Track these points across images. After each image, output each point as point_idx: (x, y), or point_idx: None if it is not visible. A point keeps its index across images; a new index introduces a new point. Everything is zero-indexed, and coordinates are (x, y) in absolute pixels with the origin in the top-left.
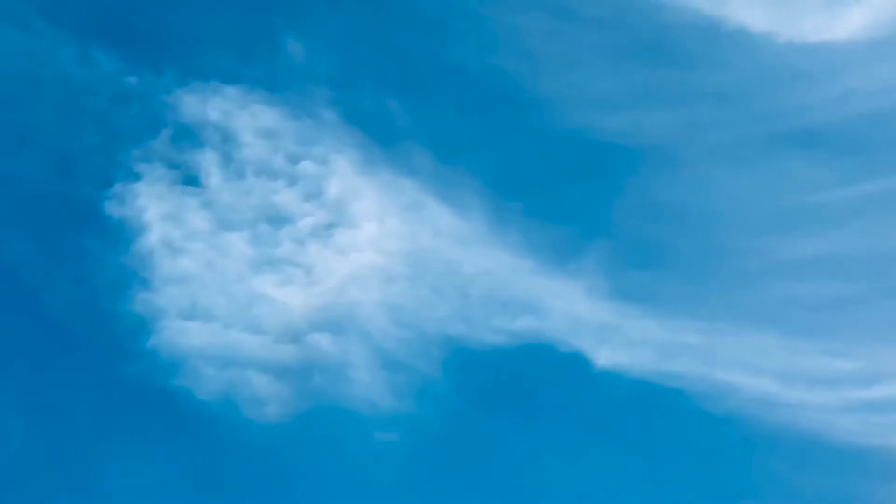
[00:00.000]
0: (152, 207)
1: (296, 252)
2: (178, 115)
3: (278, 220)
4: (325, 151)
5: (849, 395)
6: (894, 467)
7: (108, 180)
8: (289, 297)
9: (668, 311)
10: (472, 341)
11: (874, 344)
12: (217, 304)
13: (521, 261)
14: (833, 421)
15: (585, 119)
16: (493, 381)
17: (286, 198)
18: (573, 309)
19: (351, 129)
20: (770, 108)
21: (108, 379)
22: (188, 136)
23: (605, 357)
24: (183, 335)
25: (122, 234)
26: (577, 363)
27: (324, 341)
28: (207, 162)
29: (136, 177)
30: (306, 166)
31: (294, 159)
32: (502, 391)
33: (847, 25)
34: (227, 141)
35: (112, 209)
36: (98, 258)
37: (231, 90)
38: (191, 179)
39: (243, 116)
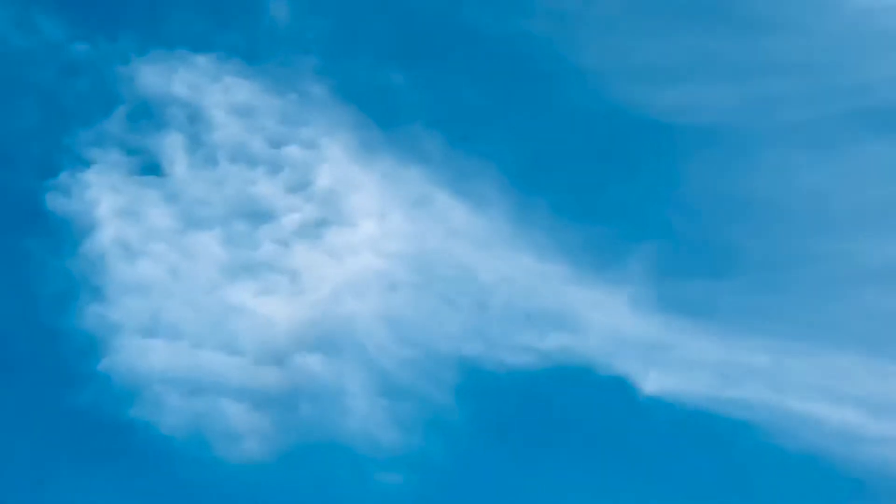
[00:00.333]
0: (105, 201)
1: (279, 255)
2: (135, 89)
3: (257, 216)
4: (313, 134)
5: None
6: None
7: (51, 168)
8: (270, 310)
9: (730, 327)
10: (491, 363)
11: None
12: (183, 318)
13: (551, 266)
14: None
15: (632, 94)
16: (516, 410)
17: (267, 189)
18: (614, 324)
19: (345, 107)
20: (857, 80)
21: (51, 409)
22: (148, 114)
23: (653, 382)
24: (142, 356)
25: (69, 234)
26: (619, 389)
27: (313, 363)
28: (171, 146)
29: (86, 164)
30: (291, 151)
31: (276, 143)
32: (528, 423)
33: None
34: (195, 121)
35: (56, 203)
36: (39, 262)
37: (200, 60)
38: (151, 167)
39: (215, 91)
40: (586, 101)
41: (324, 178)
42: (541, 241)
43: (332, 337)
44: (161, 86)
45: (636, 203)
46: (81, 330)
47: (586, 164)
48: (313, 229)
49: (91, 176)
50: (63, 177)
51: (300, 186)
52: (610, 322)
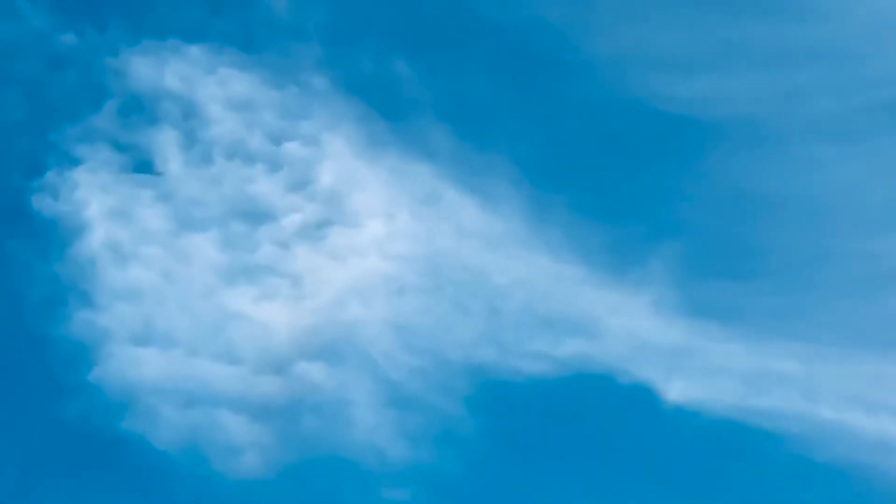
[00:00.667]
0: (94, 201)
1: (279, 258)
2: (126, 82)
3: (256, 216)
4: (315, 129)
5: None
6: None
7: (37, 167)
8: (270, 316)
9: (759, 331)
10: (504, 371)
11: None
12: (178, 325)
13: (568, 267)
14: None
15: (652, 85)
16: (532, 421)
17: (266, 188)
18: (636, 328)
19: (348, 100)
20: (887, 70)
21: (39, 422)
22: (140, 109)
23: (677, 390)
24: (134, 365)
25: (56, 236)
26: (641, 397)
27: (316, 372)
28: (164, 143)
29: (74, 162)
30: (291, 148)
31: (276, 139)
32: (544, 434)
33: None
34: (189, 116)
35: (43, 204)
36: (25, 267)
37: (194, 50)
38: (143, 165)
39: (210, 84)
40: (604, 93)
41: (326, 176)
42: (557, 240)
43: (335, 344)
44: (153, 78)
45: (657, 200)
46: (70, 338)
47: (604, 160)
48: (315, 230)
49: (79, 175)
50: (50, 176)
51: (301, 185)
52: (630, 327)
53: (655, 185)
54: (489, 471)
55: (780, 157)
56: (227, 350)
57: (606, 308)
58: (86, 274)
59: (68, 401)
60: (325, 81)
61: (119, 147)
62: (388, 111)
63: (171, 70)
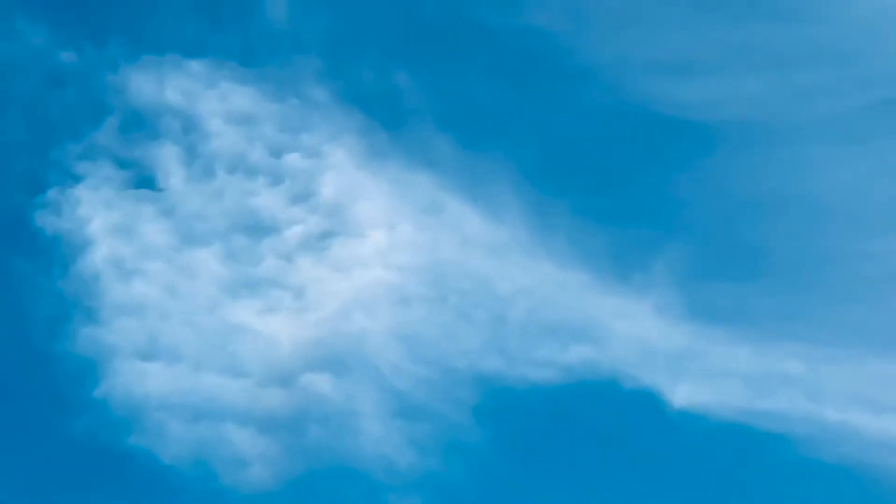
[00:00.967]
0: (97, 218)
1: (282, 270)
2: (126, 98)
3: (258, 230)
4: (316, 140)
5: None
6: None
7: (39, 184)
8: (275, 329)
9: (763, 333)
10: (511, 379)
11: None
12: (183, 339)
13: (572, 274)
14: None
15: (652, 89)
16: (539, 428)
17: (268, 201)
18: (640, 333)
19: (349, 111)
20: (889, 70)
21: (45, 438)
22: (140, 125)
23: (682, 394)
24: (140, 380)
25: (59, 253)
26: (647, 402)
27: (321, 384)
28: (166, 158)
29: (76, 179)
30: (293, 160)
31: (277, 151)
32: (551, 442)
33: None
34: (190, 130)
35: (45, 221)
36: (28, 284)
37: (194, 65)
38: (145, 181)
39: (210, 98)
40: (604, 98)
41: (328, 188)
42: (560, 247)
43: (341, 356)
44: (153, 94)
45: (659, 205)
46: (75, 354)
47: (606, 165)
48: (318, 242)
49: (82, 191)
50: (52, 193)
51: (303, 197)
52: (635, 332)
53: (657, 189)
54: (497, 479)
55: (782, 159)
56: (232, 363)
57: (611, 313)
58: (90, 290)
59: (75, 417)
60: (325, 93)
61: (120, 163)
62: (388, 121)
63: (171, 85)
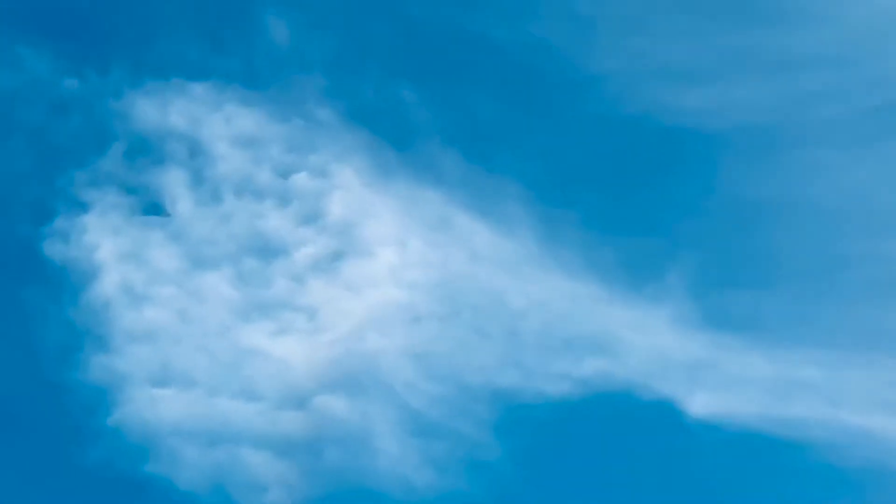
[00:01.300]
0: (106, 245)
1: (293, 292)
2: (131, 124)
3: (268, 252)
4: (323, 160)
5: None
6: None
7: (46, 213)
8: (288, 351)
9: (779, 340)
10: (526, 393)
11: None
12: (196, 364)
13: (584, 286)
14: None
15: (656, 98)
16: (557, 442)
17: (277, 223)
18: (655, 344)
19: (355, 130)
20: (892, 73)
21: (60, 469)
22: (146, 150)
23: (699, 403)
24: (154, 407)
25: (69, 281)
26: (664, 413)
27: (337, 404)
28: (173, 182)
29: (83, 207)
30: (300, 181)
31: (284, 173)
32: (570, 455)
33: None
34: (196, 154)
35: (54, 250)
36: (38, 314)
37: (198, 88)
38: (153, 206)
39: (215, 121)
40: (609, 109)
41: (336, 207)
42: (571, 260)
43: (355, 376)
44: (157, 119)
45: (669, 214)
46: (88, 383)
47: (614, 176)
48: (328, 263)
49: (89, 219)
50: (59, 221)
51: (312, 218)
52: (650, 342)
53: (667, 198)
54: (517, 494)
55: (790, 164)
56: (246, 387)
57: (625, 325)
58: (100, 318)
59: (89, 446)
60: (330, 113)
61: (127, 189)
62: (394, 139)
63: (175, 110)
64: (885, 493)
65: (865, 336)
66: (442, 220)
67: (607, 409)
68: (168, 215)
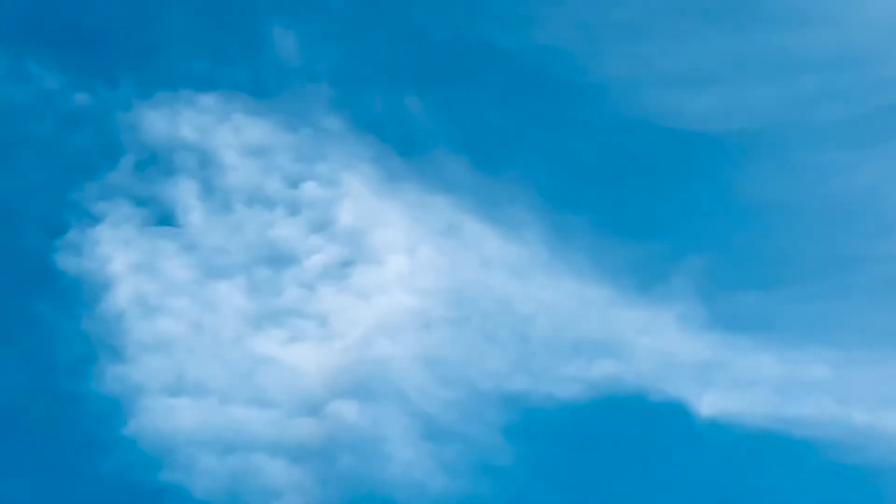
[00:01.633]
0: (118, 257)
1: (304, 300)
2: (141, 136)
3: (279, 260)
4: (331, 169)
5: None
6: None
7: (58, 226)
8: (300, 358)
9: (788, 340)
10: (537, 397)
11: None
12: (210, 373)
13: (593, 289)
14: None
15: (662, 103)
16: (568, 445)
17: (287, 231)
18: (665, 345)
19: (363, 139)
20: None
21: (76, 480)
22: (156, 162)
23: (709, 403)
24: (169, 416)
25: (82, 294)
26: (674, 414)
27: (349, 411)
28: (183, 193)
29: (95, 219)
30: (309, 189)
31: (293, 182)
32: (581, 458)
33: None
34: (206, 165)
35: (66, 262)
36: (52, 326)
37: (207, 99)
38: (164, 218)
39: (224, 132)
40: (616, 114)
41: (346, 215)
42: (580, 264)
43: (367, 382)
44: (167, 130)
45: (677, 216)
46: (102, 394)
47: (621, 180)
48: (339, 270)
49: (101, 231)
50: (72, 234)
51: (322, 226)
52: (659, 344)
53: (674, 201)
54: (529, 498)
55: (796, 165)
56: (259, 395)
57: (634, 327)
58: (114, 329)
59: (105, 457)
60: (338, 122)
61: (138, 201)
62: (403, 147)
63: (184, 121)
64: (894, 490)
65: (873, 335)
66: (451, 226)
67: (617, 411)
68: (179, 226)
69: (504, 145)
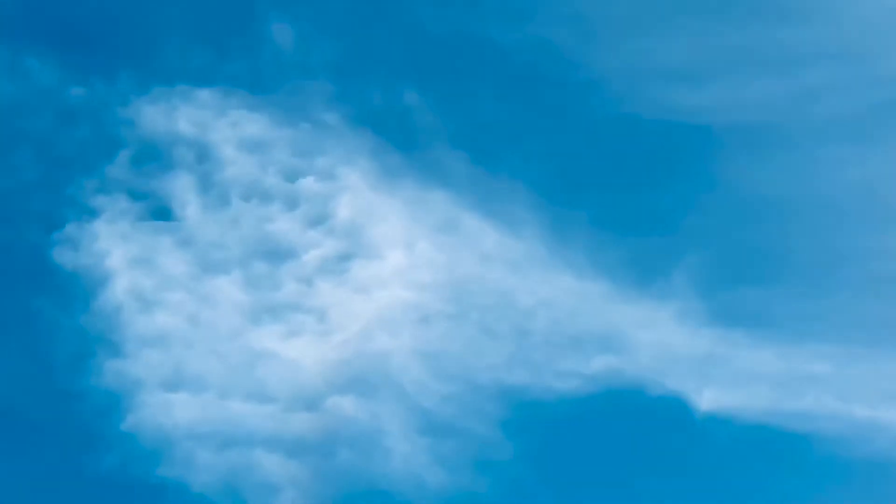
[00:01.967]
0: (115, 251)
1: (303, 294)
2: (138, 131)
3: (277, 255)
4: (329, 163)
5: None
6: None
7: (55, 221)
8: (298, 353)
9: (786, 335)
10: (536, 391)
11: None
12: (208, 368)
13: (592, 284)
14: None
15: (660, 97)
16: (567, 440)
17: (285, 226)
18: (663, 340)
19: (361, 133)
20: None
21: (75, 475)
22: (154, 156)
23: (709, 398)
24: (167, 411)
25: (79, 288)
26: (674, 409)
27: (347, 405)
28: (181, 188)
29: (92, 213)
30: (307, 184)
31: (291, 176)
32: (580, 452)
33: None
34: (203, 159)
35: (64, 257)
36: (50, 321)
37: (204, 94)
38: (161, 212)
39: (222, 126)
40: (614, 109)
41: (344, 210)
42: (579, 259)
43: (365, 377)
44: (164, 125)
45: (675, 212)
46: (101, 389)
47: (619, 175)
48: (337, 264)
49: (99, 226)
50: (69, 229)
51: (319, 220)
52: (658, 339)
53: (672, 196)
54: (528, 492)
55: (795, 160)
56: (257, 389)
57: (633, 322)
58: (112, 324)
59: (103, 452)
60: (336, 116)
61: (136, 196)
62: (400, 142)
63: (182, 115)
64: (894, 485)
65: (872, 330)
66: (449, 221)
67: (616, 405)
68: (177, 220)
69: (502, 140)
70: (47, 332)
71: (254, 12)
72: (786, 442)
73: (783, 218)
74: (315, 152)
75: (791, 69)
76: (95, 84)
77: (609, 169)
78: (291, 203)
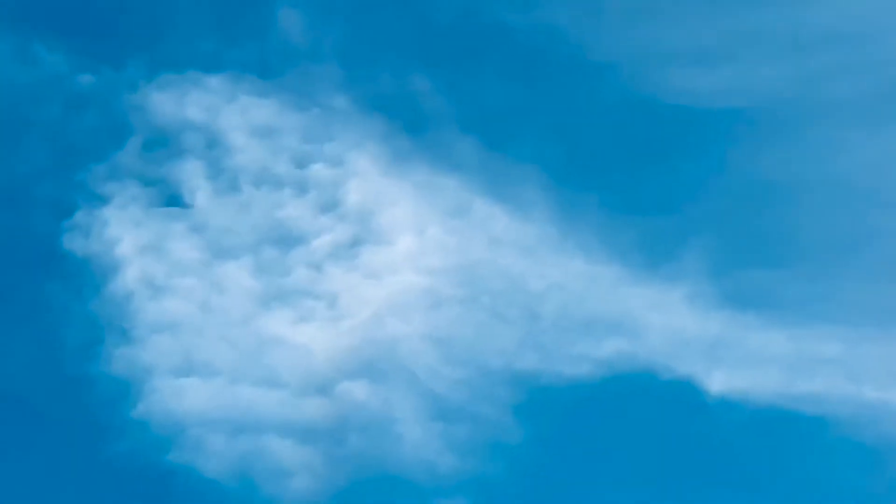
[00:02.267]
0: (126, 238)
1: (313, 280)
2: (148, 117)
3: (287, 241)
4: (339, 149)
5: None
6: None
7: (66, 208)
8: (309, 338)
9: (797, 317)
10: (547, 375)
11: None
12: (218, 353)
13: (603, 268)
14: None
15: (670, 80)
16: (578, 424)
17: (295, 212)
18: (674, 323)
19: (370, 118)
20: None
21: (86, 462)
22: (163, 143)
23: (719, 381)
24: (178, 397)
25: (90, 275)
26: (684, 392)
27: (359, 391)
28: (191, 174)
29: (102, 200)
30: (317, 170)
31: (301, 162)
32: (591, 436)
33: None
34: (213, 146)
35: (74, 244)
36: (61, 308)
37: (213, 81)
38: (172, 198)
39: (231, 113)
40: (623, 92)
41: (354, 195)
42: (589, 242)
43: (376, 362)
44: (174, 111)
45: (685, 195)
46: (111, 375)
47: (629, 158)
48: (347, 250)
49: (109, 212)
50: (79, 216)
51: (330, 206)
52: (669, 322)
53: (682, 179)
54: (539, 476)
55: (804, 143)
56: (268, 375)
57: (643, 305)
58: (122, 310)
59: (115, 438)
60: (345, 101)
61: (146, 182)
62: (410, 126)
63: (191, 102)
64: None
65: (883, 311)
66: (459, 205)
67: (627, 389)
68: (187, 207)
69: (512, 124)
70: (58, 318)
71: None
72: (797, 424)
73: (794, 200)
74: (324, 138)
75: (802, 51)
76: (104, 71)
77: (619, 152)
78: (301, 189)
